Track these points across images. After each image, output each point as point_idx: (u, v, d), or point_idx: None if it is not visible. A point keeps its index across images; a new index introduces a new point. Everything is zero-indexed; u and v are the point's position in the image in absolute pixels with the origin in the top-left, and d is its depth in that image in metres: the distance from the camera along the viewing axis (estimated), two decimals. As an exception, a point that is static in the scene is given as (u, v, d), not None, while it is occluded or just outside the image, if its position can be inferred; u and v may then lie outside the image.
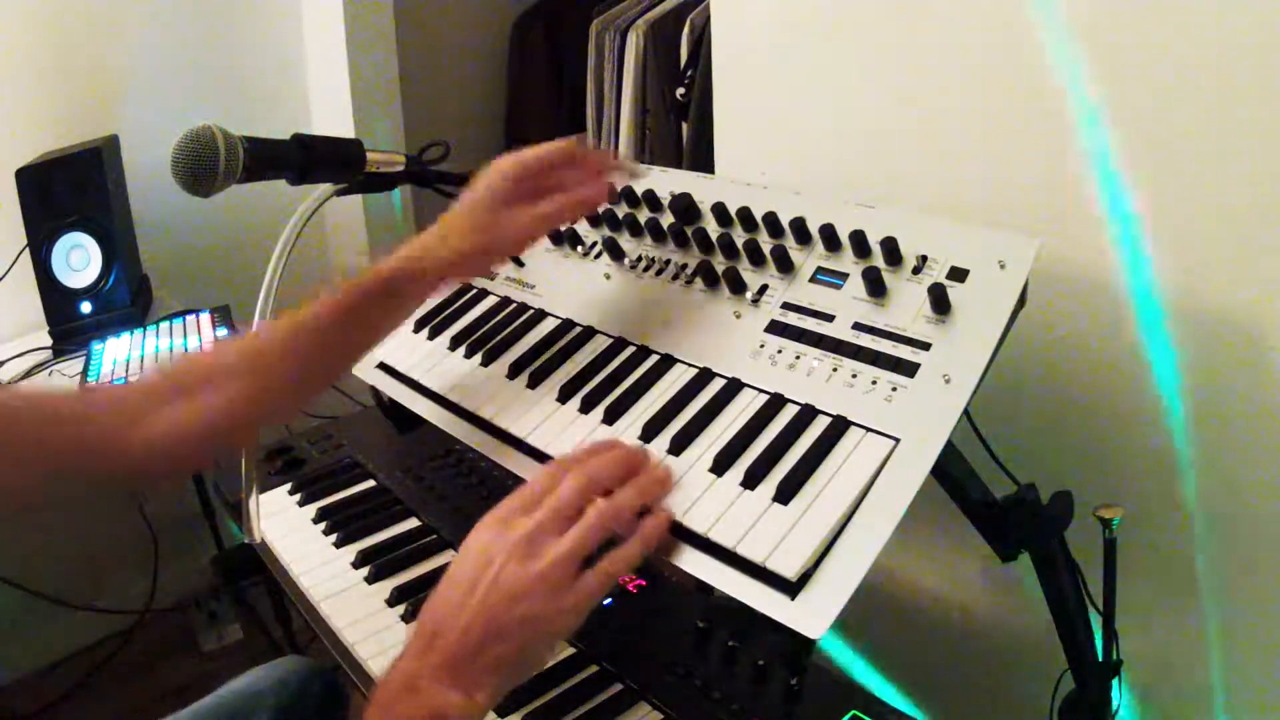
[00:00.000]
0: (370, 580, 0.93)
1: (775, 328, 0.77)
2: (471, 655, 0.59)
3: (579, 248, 0.95)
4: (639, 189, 0.92)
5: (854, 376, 0.70)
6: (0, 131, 1.76)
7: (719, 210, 0.87)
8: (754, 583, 0.62)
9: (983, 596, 1.16)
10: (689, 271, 0.85)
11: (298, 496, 1.09)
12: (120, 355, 1.53)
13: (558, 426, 0.79)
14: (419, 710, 0.58)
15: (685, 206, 0.88)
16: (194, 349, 0.80)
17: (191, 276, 1.94)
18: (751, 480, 0.66)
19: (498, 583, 0.60)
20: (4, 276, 1.73)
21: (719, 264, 0.82)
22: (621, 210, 0.93)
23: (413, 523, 1.03)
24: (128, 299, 1.70)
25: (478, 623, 0.60)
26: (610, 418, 0.77)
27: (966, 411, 0.65)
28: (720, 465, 0.68)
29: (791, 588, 0.60)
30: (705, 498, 0.67)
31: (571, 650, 0.83)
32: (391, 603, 0.90)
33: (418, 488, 1.09)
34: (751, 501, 0.65)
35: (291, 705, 1.00)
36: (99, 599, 2.13)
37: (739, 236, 0.84)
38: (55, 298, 1.67)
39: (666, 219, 0.89)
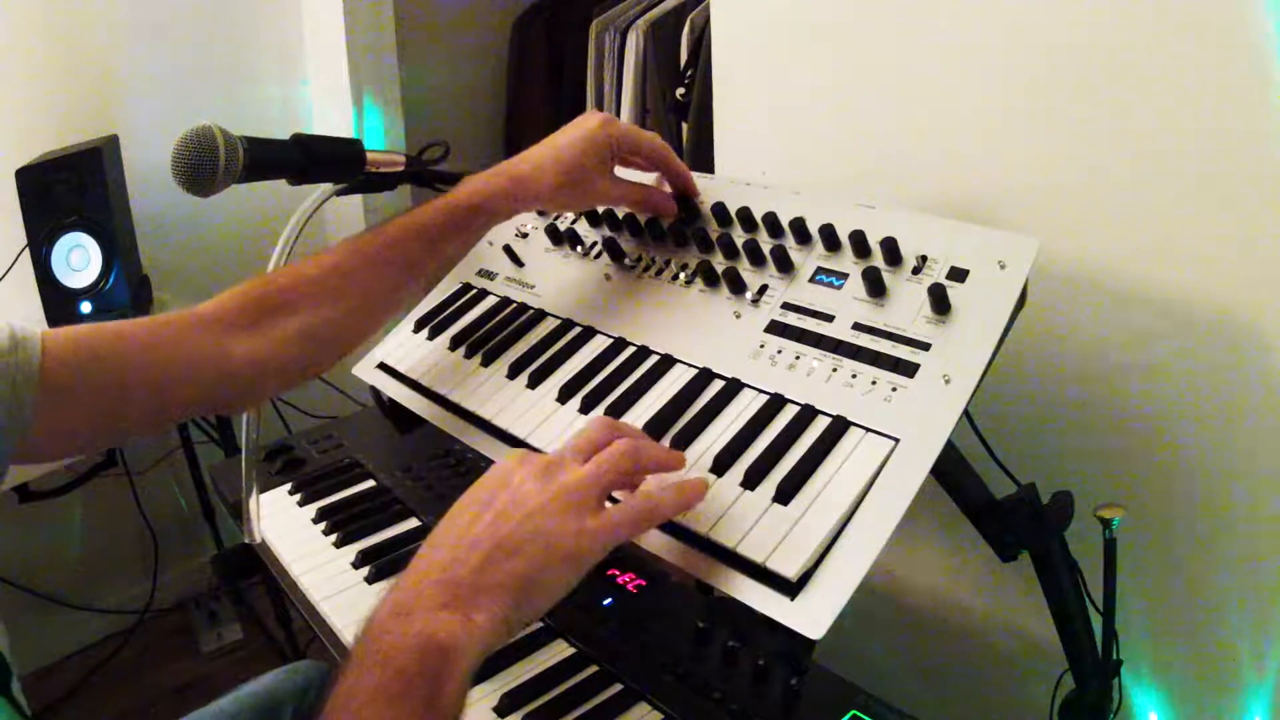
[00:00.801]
0: (370, 580, 0.93)
1: (775, 328, 0.77)
2: (473, 571, 0.53)
3: (579, 248, 0.95)
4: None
5: (854, 377, 0.70)
6: (0, 131, 1.76)
7: (719, 210, 0.87)
8: (754, 583, 0.62)
9: (983, 596, 1.16)
10: (689, 271, 0.85)
11: (298, 496, 1.09)
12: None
13: (558, 427, 0.79)
14: (406, 636, 0.51)
15: (685, 206, 0.88)
16: (272, 272, 0.81)
17: (191, 276, 1.94)
18: (751, 480, 0.66)
19: (513, 496, 0.57)
20: (4, 276, 1.73)
21: (719, 264, 0.82)
22: (621, 210, 0.93)
23: (413, 523, 1.03)
24: (127, 299, 1.70)
25: (485, 536, 0.55)
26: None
27: (966, 411, 0.65)
28: (720, 465, 0.68)
29: (792, 588, 0.60)
30: (705, 498, 0.67)
31: (571, 650, 0.83)
32: (391, 603, 0.90)
33: (418, 488, 1.09)
34: (751, 502, 0.65)
35: (311, 711, 0.99)
36: (99, 599, 2.13)
37: (739, 236, 0.84)
38: (55, 298, 1.67)
39: (666, 218, 0.89)
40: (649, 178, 0.91)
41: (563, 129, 0.85)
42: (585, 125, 0.84)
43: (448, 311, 0.99)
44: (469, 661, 0.52)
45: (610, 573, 0.91)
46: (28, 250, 1.66)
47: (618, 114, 2.12)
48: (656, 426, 0.73)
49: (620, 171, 0.88)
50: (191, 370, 0.72)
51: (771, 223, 0.83)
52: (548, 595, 0.56)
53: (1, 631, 0.73)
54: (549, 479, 0.58)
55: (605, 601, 0.88)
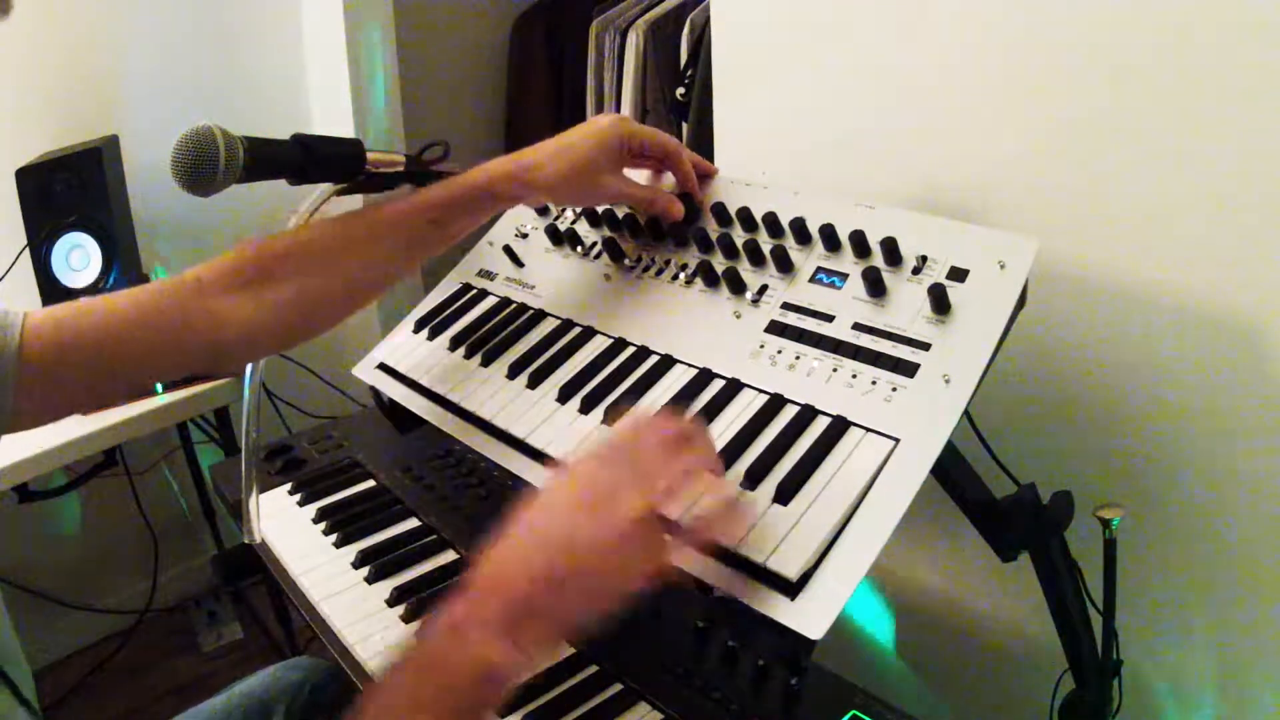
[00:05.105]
0: (370, 580, 0.93)
1: (775, 328, 0.77)
2: (533, 607, 0.55)
3: (579, 248, 0.95)
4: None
5: (854, 377, 0.70)
6: (0, 131, 1.76)
7: (719, 210, 0.87)
8: (754, 583, 0.62)
9: (983, 596, 1.16)
10: (689, 271, 0.85)
11: (298, 496, 1.09)
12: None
13: (558, 426, 0.79)
14: (464, 658, 0.53)
15: (685, 204, 0.88)
16: (272, 233, 0.80)
17: (191, 277, 1.94)
18: (752, 480, 0.66)
19: (572, 536, 0.56)
20: (4, 276, 1.73)
21: (719, 264, 0.82)
22: (621, 210, 0.93)
23: (413, 523, 1.03)
24: (127, 299, 1.70)
25: (544, 575, 0.55)
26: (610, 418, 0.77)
27: (966, 411, 0.65)
28: (720, 465, 0.68)
29: (792, 588, 0.60)
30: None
31: (571, 650, 0.83)
32: (391, 603, 0.90)
33: (418, 488, 1.09)
34: (752, 501, 0.65)
35: (307, 707, 1.00)
36: (99, 599, 2.13)
37: (739, 236, 0.84)
38: (55, 298, 1.66)
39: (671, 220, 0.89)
40: (667, 179, 0.92)
41: (575, 127, 0.85)
42: (597, 123, 0.85)
43: (448, 312, 0.99)
44: (513, 684, 0.54)
45: (610, 573, 0.91)
46: (28, 250, 1.66)
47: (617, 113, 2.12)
48: (656, 426, 0.73)
49: (629, 173, 0.88)
50: (177, 338, 0.74)
51: (771, 223, 0.83)
52: (594, 623, 0.58)
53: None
54: (607, 514, 0.57)
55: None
